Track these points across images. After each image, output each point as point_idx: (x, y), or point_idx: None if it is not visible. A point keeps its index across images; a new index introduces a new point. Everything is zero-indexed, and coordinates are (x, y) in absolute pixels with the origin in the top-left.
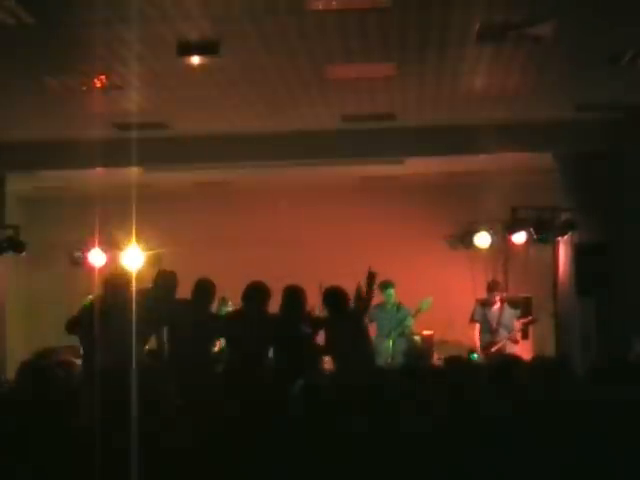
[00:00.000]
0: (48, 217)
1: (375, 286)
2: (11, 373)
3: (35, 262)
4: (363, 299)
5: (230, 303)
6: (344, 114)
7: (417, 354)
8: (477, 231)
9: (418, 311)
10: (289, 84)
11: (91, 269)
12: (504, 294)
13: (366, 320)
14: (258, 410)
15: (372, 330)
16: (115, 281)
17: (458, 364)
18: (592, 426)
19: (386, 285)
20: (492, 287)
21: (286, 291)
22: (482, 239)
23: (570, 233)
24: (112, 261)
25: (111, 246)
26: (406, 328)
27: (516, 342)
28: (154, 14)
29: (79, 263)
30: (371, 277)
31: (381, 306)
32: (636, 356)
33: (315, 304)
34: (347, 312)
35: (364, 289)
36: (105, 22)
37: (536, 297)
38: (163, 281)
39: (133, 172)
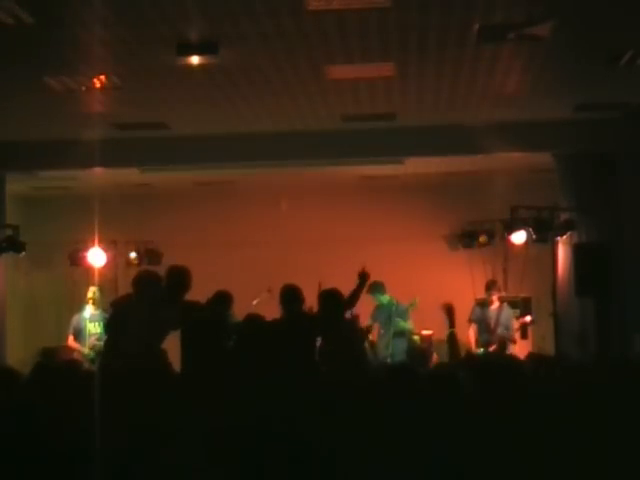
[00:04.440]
0: (48, 217)
1: (366, 286)
2: None
3: (35, 262)
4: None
5: None
6: (344, 114)
7: (417, 354)
8: (476, 231)
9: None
10: (289, 84)
11: (90, 268)
12: (502, 294)
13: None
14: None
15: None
16: (146, 278)
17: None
18: (595, 425)
19: (373, 289)
20: (489, 286)
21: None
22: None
23: (569, 233)
24: (112, 260)
25: (111, 245)
26: (405, 329)
27: (514, 342)
28: (154, 14)
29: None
30: (363, 277)
31: (378, 306)
32: (637, 355)
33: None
34: (342, 315)
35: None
36: (105, 22)
37: (535, 297)
38: (172, 279)
39: (133, 172)
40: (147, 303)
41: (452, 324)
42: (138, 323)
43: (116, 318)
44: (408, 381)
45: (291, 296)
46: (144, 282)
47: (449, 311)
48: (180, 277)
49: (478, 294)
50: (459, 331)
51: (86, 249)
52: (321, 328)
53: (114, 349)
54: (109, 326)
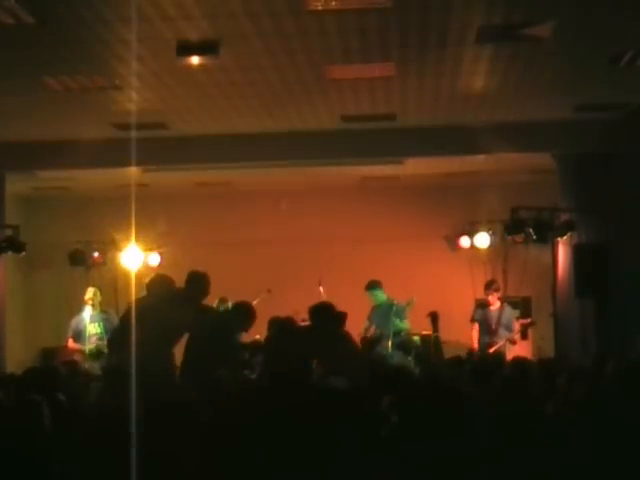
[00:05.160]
0: (48, 217)
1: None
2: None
3: (35, 262)
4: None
5: (229, 303)
6: (344, 114)
7: (420, 353)
8: (476, 231)
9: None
10: (289, 84)
11: (90, 268)
12: (501, 294)
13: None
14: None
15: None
16: (159, 282)
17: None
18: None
19: (371, 286)
20: (488, 285)
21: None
22: (482, 239)
23: (570, 233)
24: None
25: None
26: (402, 329)
27: (514, 343)
28: (154, 14)
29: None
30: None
31: (375, 307)
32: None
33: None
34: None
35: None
36: (105, 22)
37: (535, 297)
38: (192, 284)
39: (133, 172)
40: (160, 306)
41: (436, 329)
42: (148, 326)
43: (127, 319)
44: (407, 386)
45: (280, 327)
46: (158, 285)
47: (434, 318)
48: (200, 282)
49: (478, 294)
50: (459, 331)
51: (86, 249)
52: (316, 346)
53: (120, 351)
54: (120, 327)
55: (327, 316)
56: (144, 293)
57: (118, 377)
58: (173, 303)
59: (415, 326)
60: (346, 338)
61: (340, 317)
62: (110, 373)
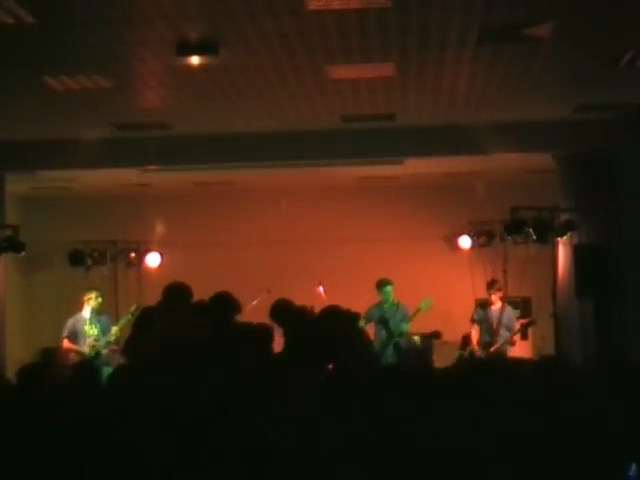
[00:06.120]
0: (48, 217)
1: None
2: (11, 373)
3: (34, 262)
4: None
5: None
6: (344, 114)
7: (416, 355)
8: (476, 231)
9: (417, 312)
10: (289, 84)
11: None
12: (503, 294)
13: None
14: None
15: (371, 329)
16: (176, 290)
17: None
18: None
19: (383, 283)
20: (490, 285)
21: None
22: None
23: (570, 233)
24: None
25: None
26: (405, 331)
27: (512, 344)
28: (154, 14)
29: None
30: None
31: (379, 305)
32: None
33: (315, 304)
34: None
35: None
36: (105, 22)
37: (535, 297)
38: (218, 305)
39: (133, 172)
40: (175, 314)
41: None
42: (165, 333)
43: (142, 325)
44: (401, 381)
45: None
46: (173, 293)
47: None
48: (224, 301)
49: (478, 294)
50: (459, 331)
51: (86, 249)
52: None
53: (136, 356)
54: (134, 332)
55: (337, 319)
56: (159, 299)
57: (131, 380)
58: (190, 313)
59: (420, 325)
60: (357, 336)
61: (351, 317)
62: (123, 376)
